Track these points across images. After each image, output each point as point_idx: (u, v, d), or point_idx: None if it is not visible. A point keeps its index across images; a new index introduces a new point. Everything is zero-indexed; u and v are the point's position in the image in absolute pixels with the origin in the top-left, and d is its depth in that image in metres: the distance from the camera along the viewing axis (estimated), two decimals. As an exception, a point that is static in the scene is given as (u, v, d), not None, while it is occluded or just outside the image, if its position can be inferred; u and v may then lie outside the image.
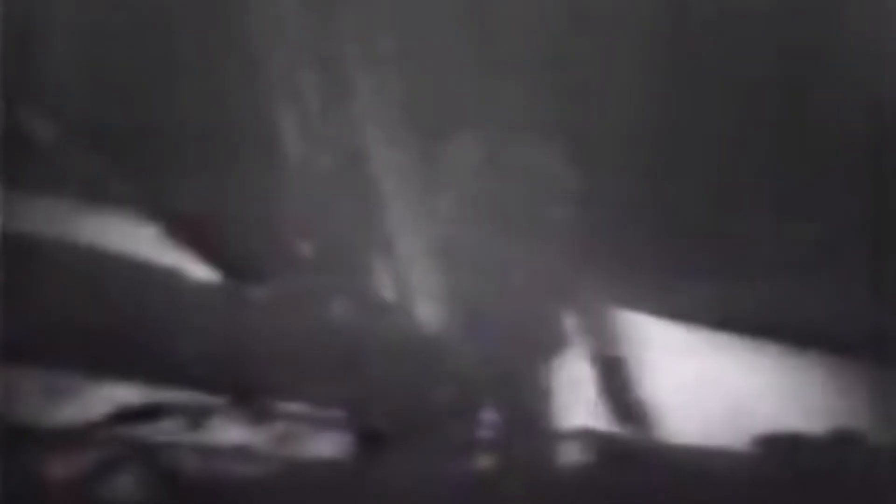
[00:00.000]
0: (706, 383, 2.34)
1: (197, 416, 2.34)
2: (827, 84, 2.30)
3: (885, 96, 2.24)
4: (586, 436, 2.33)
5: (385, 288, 2.39)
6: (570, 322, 2.37)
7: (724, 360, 2.35)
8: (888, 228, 2.25)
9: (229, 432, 2.33)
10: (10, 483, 2.21)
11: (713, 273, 2.34)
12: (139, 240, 2.35)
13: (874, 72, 2.25)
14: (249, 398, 2.34)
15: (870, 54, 2.25)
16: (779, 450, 2.26)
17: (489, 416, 2.34)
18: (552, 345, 2.36)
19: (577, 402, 2.34)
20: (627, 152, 2.33)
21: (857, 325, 2.28)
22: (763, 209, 2.35)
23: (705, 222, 2.36)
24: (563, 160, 2.33)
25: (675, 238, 2.36)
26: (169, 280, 2.35)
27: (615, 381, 2.35)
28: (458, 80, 2.33)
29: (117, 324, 2.34)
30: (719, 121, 2.33)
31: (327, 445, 2.33)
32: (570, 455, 2.31)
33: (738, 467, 2.27)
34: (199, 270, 2.36)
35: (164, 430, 2.33)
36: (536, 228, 2.35)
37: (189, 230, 2.35)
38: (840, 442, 2.25)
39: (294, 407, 2.35)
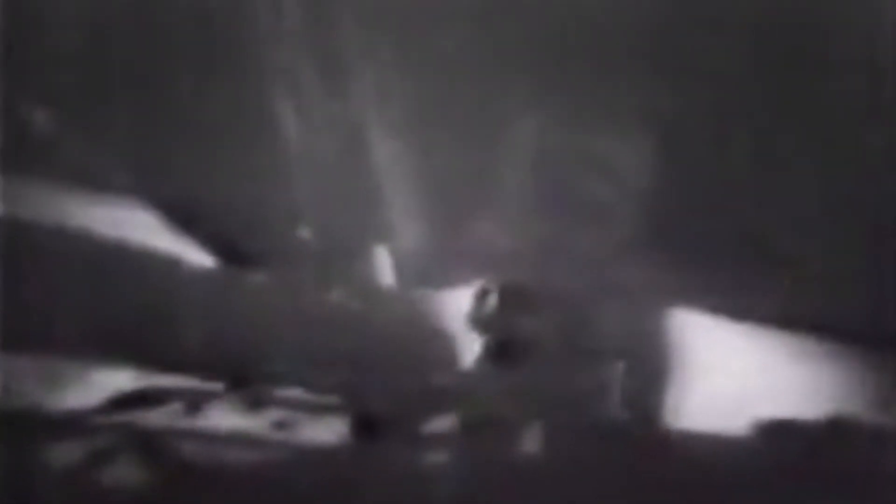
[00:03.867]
0: (707, 369, 2.33)
1: (194, 402, 2.34)
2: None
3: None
4: (595, 422, 2.33)
5: (384, 274, 2.39)
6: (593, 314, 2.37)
7: (723, 347, 2.34)
8: (885, 215, 2.24)
9: (227, 418, 2.34)
10: (10, 469, 2.22)
11: (717, 261, 2.34)
12: (138, 227, 2.36)
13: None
14: (247, 384, 2.35)
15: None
16: (777, 435, 2.25)
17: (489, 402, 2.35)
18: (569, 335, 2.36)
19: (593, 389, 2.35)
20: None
21: (856, 312, 2.27)
22: (766, 195, 2.33)
23: (711, 209, 2.35)
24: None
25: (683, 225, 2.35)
26: (167, 266, 2.35)
27: (636, 370, 2.35)
28: (459, 72, 2.32)
29: (116, 310, 2.35)
30: (774, 124, 2.31)
31: (324, 431, 2.33)
32: (575, 442, 2.31)
33: (738, 453, 2.27)
34: (197, 257, 2.37)
35: (162, 416, 2.34)
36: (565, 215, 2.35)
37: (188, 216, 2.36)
38: (837, 427, 2.24)
39: (291, 393, 2.36)
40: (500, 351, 2.36)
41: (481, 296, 2.36)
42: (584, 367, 2.35)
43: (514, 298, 2.36)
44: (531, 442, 2.31)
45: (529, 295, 2.36)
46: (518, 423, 2.32)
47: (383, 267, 2.37)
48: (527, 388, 2.34)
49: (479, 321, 2.35)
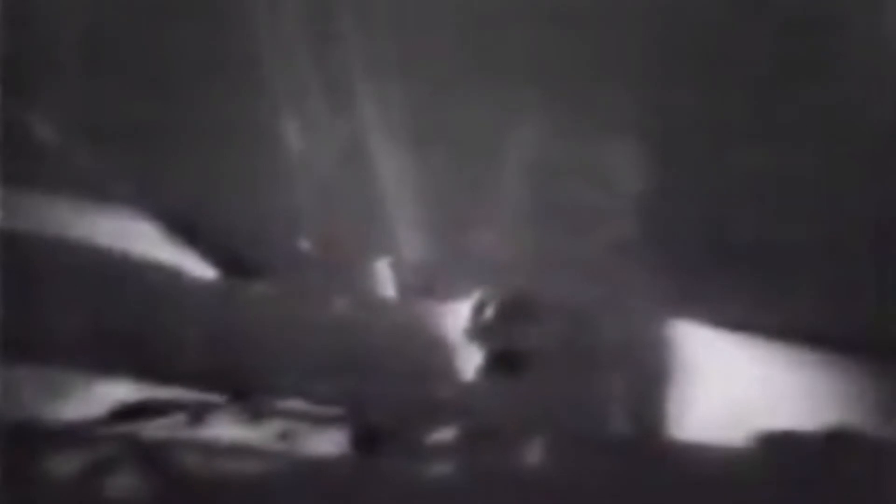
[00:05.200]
0: (707, 380, 2.34)
1: (196, 413, 2.34)
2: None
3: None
4: (594, 433, 2.33)
5: (386, 285, 2.39)
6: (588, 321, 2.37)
7: (724, 357, 2.35)
8: (887, 223, 2.25)
9: (228, 429, 2.34)
10: (11, 481, 2.21)
11: (718, 271, 2.34)
12: (140, 237, 2.36)
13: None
14: (248, 395, 2.35)
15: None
16: (778, 446, 2.26)
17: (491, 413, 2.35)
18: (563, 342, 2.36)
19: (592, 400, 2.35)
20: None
21: (856, 321, 2.28)
22: (767, 205, 2.34)
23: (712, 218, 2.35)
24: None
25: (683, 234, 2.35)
26: (168, 277, 2.35)
27: (635, 381, 2.35)
28: (460, 79, 2.33)
29: (117, 321, 2.34)
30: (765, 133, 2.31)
31: (326, 443, 2.33)
32: (575, 453, 2.31)
33: (738, 464, 2.27)
34: (198, 267, 2.36)
35: (164, 427, 2.33)
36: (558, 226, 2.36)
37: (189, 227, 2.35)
38: (839, 438, 2.25)
39: (293, 404, 2.36)
40: (501, 362, 2.36)
41: (480, 307, 2.36)
42: (584, 378, 2.35)
43: (513, 309, 2.37)
44: (533, 453, 2.31)
45: (529, 305, 2.36)
46: (520, 435, 2.32)
47: (385, 278, 2.38)
48: (528, 399, 2.35)
49: (479, 332, 2.35)
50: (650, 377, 2.36)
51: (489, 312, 2.35)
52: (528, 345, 2.33)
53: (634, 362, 2.37)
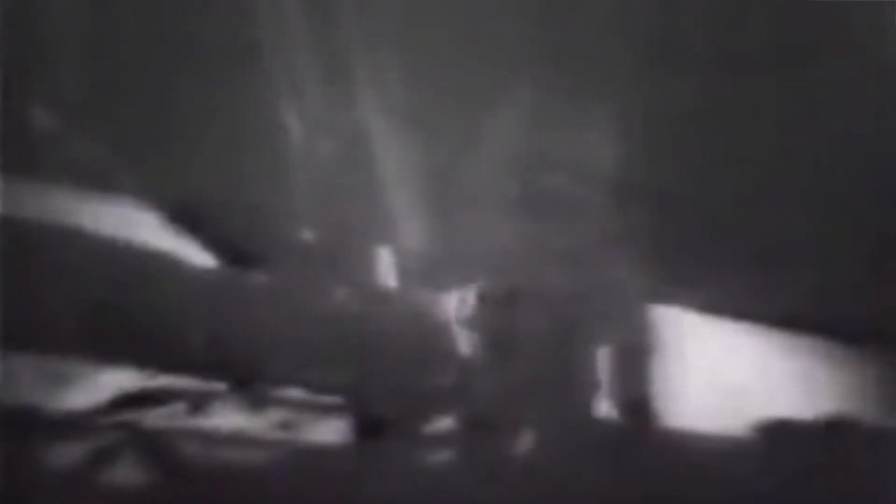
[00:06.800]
0: (702, 369, 2.35)
1: (197, 402, 2.34)
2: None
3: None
4: (587, 421, 2.34)
5: (386, 275, 2.39)
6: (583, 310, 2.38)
7: (718, 346, 2.35)
8: (884, 211, 2.26)
9: (229, 418, 2.34)
10: (10, 469, 2.21)
11: (707, 258, 2.35)
12: (140, 226, 2.35)
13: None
14: (249, 384, 2.35)
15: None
16: (774, 435, 2.27)
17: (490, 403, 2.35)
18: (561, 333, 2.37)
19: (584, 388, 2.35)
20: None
21: (855, 310, 2.29)
22: (758, 196, 2.35)
23: (704, 208, 2.36)
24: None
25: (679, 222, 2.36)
26: (169, 266, 2.35)
27: (625, 369, 2.36)
28: (459, 69, 2.34)
29: (118, 310, 2.34)
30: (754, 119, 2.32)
31: (327, 432, 2.33)
32: (569, 441, 2.31)
33: (734, 453, 2.28)
34: (199, 256, 2.36)
35: (164, 416, 2.33)
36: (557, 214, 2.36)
37: (190, 217, 2.35)
38: (836, 427, 2.26)
39: (294, 393, 2.36)
40: (493, 350, 2.36)
41: (464, 298, 2.37)
42: (575, 366, 2.35)
43: (498, 300, 2.37)
44: (530, 441, 2.32)
45: (515, 295, 2.37)
46: (517, 423, 2.33)
47: (386, 268, 2.38)
48: (524, 388, 2.35)
49: (465, 323, 2.36)
50: (648, 366, 2.37)
51: (472, 303, 2.36)
52: (515, 335, 2.34)
53: (631, 352, 2.37)
